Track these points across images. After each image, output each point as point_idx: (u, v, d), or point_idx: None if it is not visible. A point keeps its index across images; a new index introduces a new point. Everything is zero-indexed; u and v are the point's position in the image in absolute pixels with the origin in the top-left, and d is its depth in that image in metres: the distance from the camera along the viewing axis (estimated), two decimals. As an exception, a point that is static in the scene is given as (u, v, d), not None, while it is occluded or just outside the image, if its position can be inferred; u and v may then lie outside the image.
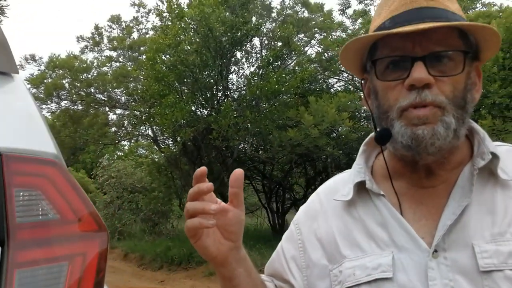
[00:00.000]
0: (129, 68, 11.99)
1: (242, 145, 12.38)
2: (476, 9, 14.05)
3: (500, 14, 9.78)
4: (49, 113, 12.72)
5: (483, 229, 0.80)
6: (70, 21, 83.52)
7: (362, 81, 0.94)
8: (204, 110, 10.70)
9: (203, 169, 0.82)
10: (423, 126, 0.78)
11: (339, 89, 11.51)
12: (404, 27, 0.79)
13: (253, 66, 11.01)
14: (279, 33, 10.13)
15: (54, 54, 12.28)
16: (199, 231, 0.82)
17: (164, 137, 12.05)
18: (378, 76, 0.84)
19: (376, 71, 0.84)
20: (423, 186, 0.86)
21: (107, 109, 12.76)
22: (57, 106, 12.47)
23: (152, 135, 12.33)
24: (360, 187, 0.89)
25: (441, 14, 0.81)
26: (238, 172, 0.83)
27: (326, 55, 11.56)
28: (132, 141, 13.62)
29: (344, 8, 12.56)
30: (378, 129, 0.87)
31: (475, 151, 0.86)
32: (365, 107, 0.89)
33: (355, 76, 0.92)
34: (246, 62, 10.99)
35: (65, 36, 40.40)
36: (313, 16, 11.60)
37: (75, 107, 12.41)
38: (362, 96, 0.96)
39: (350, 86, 11.40)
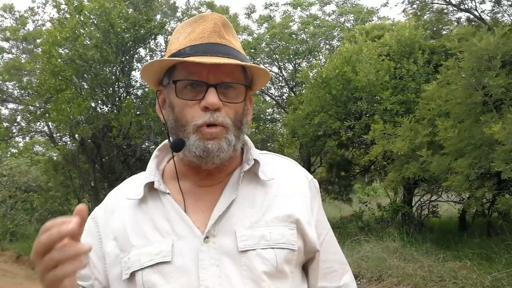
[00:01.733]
0: (22, 61, 11.26)
1: (146, 143, 12.18)
2: (372, 22, 15.13)
3: (393, 27, 10.58)
4: None
5: (244, 219, 0.99)
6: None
7: (157, 92, 1.08)
8: (104, 107, 10.38)
9: (83, 207, 0.79)
10: (212, 141, 0.96)
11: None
12: (203, 57, 0.95)
13: (157, 64, 10.85)
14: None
15: None
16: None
17: (61, 134, 11.47)
18: (177, 94, 0.98)
19: (176, 89, 0.98)
20: (203, 185, 1.04)
21: (-3, 103, 11.85)
22: None
23: (48, 131, 11.68)
24: (151, 187, 1.03)
25: (230, 51, 0.99)
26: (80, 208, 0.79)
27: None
28: (27, 137, 12.79)
29: (250, 13, 12.90)
30: (172, 138, 1.02)
31: (244, 158, 1.06)
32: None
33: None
34: (150, 59, 10.81)
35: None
36: (219, 17, 11.70)
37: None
38: (156, 106, 1.09)
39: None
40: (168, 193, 1.02)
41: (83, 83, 9.95)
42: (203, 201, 1.03)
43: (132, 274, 0.97)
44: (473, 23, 7.89)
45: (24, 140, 12.72)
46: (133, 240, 0.99)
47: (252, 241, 0.96)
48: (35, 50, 11.35)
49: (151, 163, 1.08)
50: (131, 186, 1.08)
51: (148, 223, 1.00)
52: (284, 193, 1.05)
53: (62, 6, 9.41)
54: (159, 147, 1.12)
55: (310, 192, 1.09)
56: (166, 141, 1.08)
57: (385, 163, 9.12)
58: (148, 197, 1.04)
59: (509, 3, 7.53)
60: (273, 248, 0.97)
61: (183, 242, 0.96)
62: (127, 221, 1.02)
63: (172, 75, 1.00)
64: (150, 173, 1.05)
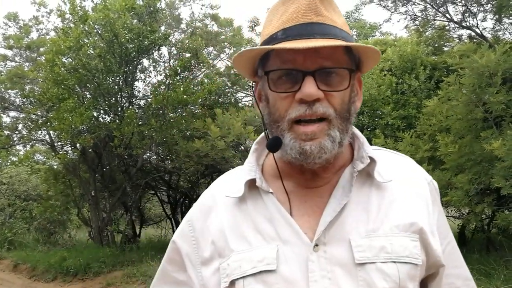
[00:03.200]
0: (25, 69, 11.33)
1: (148, 154, 12.19)
2: (375, 37, 15.26)
3: (395, 43, 10.67)
4: None
5: (359, 226, 0.86)
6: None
7: (253, 84, 0.98)
8: (106, 117, 10.41)
9: None
10: (310, 142, 0.83)
11: (247, 103, 11.80)
12: (296, 41, 0.83)
13: (160, 75, 10.95)
14: (187, 44, 10.20)
15: None
16: None
17: (62, 143, 11.49)
18: (270, 86, 0.87)
19: (269, 81, 0.87)
20: (308, 186, 0.92)
21: (-1, 110, 11.89)
22: None
23: (49, 140, 11.70)
24: (251, 184, 0.93)
25: (330, 30, 0.85)
26: None
27: (235, 69, 11.79)
28: (28, 146, 12.80)
29: (254, 25, 13.00)
30: (269, 135, 0.91)
31: (355, 155, 0.93)
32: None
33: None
34: (153, 70, 10.90)
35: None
36: (222, 30, 11.82)
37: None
38: (254, 99, 0.98)
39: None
40: (271, 193, 0.92)
41: (85, 92, 10.00)
42: (309, 203, 0.91)
43: (232, 283, 0.88)
44: (474, 40, 7.96)
45: (25, 149, 12.75)
46: (232, 244, 0.90)
47: (370, 253, 0.84)
48: (38, 58, 11.42)
49: (251, 157, 0.98)
50: (229, 182, 0.99)
51: (248, 225, 0.91)
52: (404, 197, 0.91)
53: (67, 16, 9.49)
54: (257, 139, 1.01)
55: (430, 196, 0.95)
56: (264, 132, 0.95)
57: (386, 177, 9.12)
58: (248, 195, 0.93)
59: (510, 21, 7.60)
60: (395, 262, 0.84)
61: (289, 248, 0.86)
62: (225, 222, 0.93)
63: (266, 65, 0.90)
64: (250, 169, 0.95)
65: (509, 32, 7.83)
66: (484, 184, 5.80)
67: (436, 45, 9.07)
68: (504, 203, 6.72)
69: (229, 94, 12.09)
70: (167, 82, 10.17)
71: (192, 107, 10.84)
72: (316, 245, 0.84)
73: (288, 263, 0.85)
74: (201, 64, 10.76)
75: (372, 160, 0.91)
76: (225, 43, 11.83)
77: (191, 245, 0.97)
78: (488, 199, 6.01)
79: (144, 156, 11.29)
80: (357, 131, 0.96)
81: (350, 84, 0.87)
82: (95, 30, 9.08)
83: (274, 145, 0.87)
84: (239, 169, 1.01)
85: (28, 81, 11.18)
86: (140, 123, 9.70)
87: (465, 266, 1.00)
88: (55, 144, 11.76)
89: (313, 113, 0.83)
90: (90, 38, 9.07)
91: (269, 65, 0.88)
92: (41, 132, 11.70)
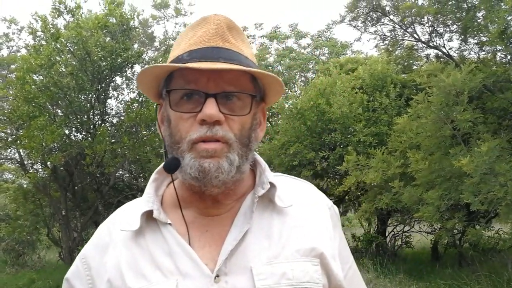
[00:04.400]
0: (-5, 86, 11.11)
1: (120, 172, 12.02)
2: (346, 55, 15.56)
3: (366, 61, 10.90)
4: None
5: (261, 253, 0.85)
6: None
7: (157, 107, 0.95)
8: (78, 134, 10.26)
9: None
10: (209, 159, 0.81)
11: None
12: (201, 63, 0.82)
13: (133, 92, 10.88)
14: (161, 62, 10.20)
15: None
16: None
17: (32, 162, 11.24)
18: (171, 106, 0.85)
19: (170, 100, 0.85)
20: (209, 214, 0.89)
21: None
22: None
23: (19, 158, 11.44)
24: (149, 216, 0.88)
25: (235, 56, 0.85)
26: None
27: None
28: (-3, 164, 12.48)
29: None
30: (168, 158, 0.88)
31: (257, 181, 0.92)
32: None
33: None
34: (126, 88, 10.83)
35: None
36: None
37: None
38: (157, 122, 0.95)
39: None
40: (170, 224, 0.88)
41: (57, 110, 9.85)
42: (210, 232, 0.88)
43: None
44: (441, 59, 8.22)
45: (-7, 167, 12.39)
46: (129, 282, 0.84)
47: (272, 280, 0.82)
48: (9, 76, 11.22)
49: (149, 188, 0.93)
50: (126, 216, 0.94)
51: (146, 260, 0.86)
52: (305, 222, 0.91)
53: (38, 33, 9.39)
54: (157, 169, 0.96)
55: (331, 221, 0.95)
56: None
57: (359, 193, 9.23)
58: (146, 228, 0.89)
59: (475, 41, 7.89)
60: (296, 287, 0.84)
61: (189, 282, 0.82)
62: (122, 257, 0.87)
63: (169, 85, 0.88)
64: (148, 200, 0.91)
65: (474, 52, 8.12)
66: (454, 200, 5.93)
67: (405, 63, 9.31)
68: (474, 219, 6.88)
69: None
70: (140, 100, 10.11)
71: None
72: (217, 276, 0.81)
73: None
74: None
75: (272, 186, 0.90)
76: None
77: (86, 285, 0.91)
78: (458, 214, 6.14)
79: (117, 174, 11.14)
80: (259, 158, 0.95)
81: (251, 110, 0.86)
82: (67, 48, 9.00)
83: (172, 165, 0.85)
84: (137, 201, 0.96)
85: (-3, 98, 10.96)
86: (112, 141, 9.59)
87: None
88: (25, 162, 11.50)
89: (213, 135, 0.81)
90: (62, 56, 8.97)
91: (172, 84, 0.87)
92: (11, 151, 11.43)
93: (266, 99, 0.93)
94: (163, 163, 0.90)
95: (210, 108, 0.80)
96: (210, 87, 0.82)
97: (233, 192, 0.89)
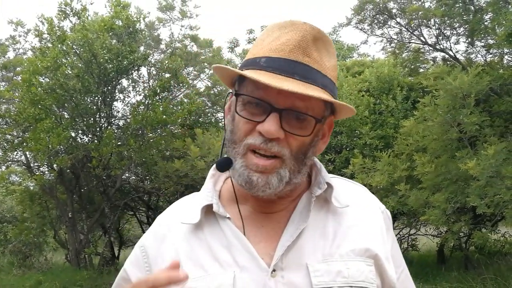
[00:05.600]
0: (1, 89, 11.16)
1: (127, 174, 12.04)
2: (353, 58, 15.53)
3: (373, 64, 10.88)
4: None
5: (316, 251, 0.87)
6: None
7: (228, 94, 0.97)
8: (84, 137, 10.28)
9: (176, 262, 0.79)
10: (258, 174, 0.83)
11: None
12: (275, 75, 0.82)
13: (140, 95, 10.90)
14: (167, 64, 10.21)
15: None
16: None
17: (39, 164, 11.29)
18: (237, 110, 0.87)
19: (237, 103, 0.87)
20: (264, 211, 0.92)
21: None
22: None
23: (25, 161, 11.48)
24: (208, 210, 0.92)
25: (311, 74, 0.84)
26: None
27: (215, 89, 11.86)
28: (3, 167, 12.53)
29: (233, 46, 13.13)
30: (224, 153, 0.90)
31: (313, 181, 0.94)
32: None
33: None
34: (132, 90, 10.84)
35: None
36: (202, 51, 11.88)
37: None
38: (225, 107, 0.96)
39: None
40: (228, 218, 0.91)
41: (63, 112, 9.88)
42: (265, 228, 0.91)
43: None
44: (448, 62, 8.19)
45: (0, 170, 12.43)
46: (187, 271, 0.84)
47: (328, 277, 0.84)
48: (15, 78, 11.26)
49: (208, 183, 0.97)
50: (185, 209, 0.97)
51: (205, 252, 0.89)
52: (359, 223, 0.93)
53: (45, 36, 9.42)
54: (214, 165, 0.98)
55: (384, 224, 0.97)
56: None
57: (365, 196, 9.19)
58: (204, 221, 0.92)
59: (482, 44, 7.85)
60: (351, 286, 0.85)
61: (247, 274, 0.84)
62: (181, 249, 0.91)
63: (242, 84, 0.89)
64: (207, 195, 0.94)
65: (481, 55, 8.09)
66: (460, 203, 5.90)
67: (412, 66, 9.29)
68: (481, 222, 6.83)
69: (209, 114, 12.10)
70: (146, 102, 10.13)
71: (172, 127, 10.80)
72: (274, 270, 0.84)
73: None
74: (181, 84, 10.76)
75: (329, 186, 0.92)
76: (205, 64, 11.87)
77: (144, 272, 0.94)
78: (464, 217, 6.11)
79: (123, 177, 11.15)
80: (316, 160, 0.96)
81: (313, 132, 0.86)
82: (73, 50, 9.02)
83: (223, 165, 0.88)
84: (194, 195, 1.00)
85: (3, 101, 11.01)
86: (119, 143, 9.60)
87: None
88: (32, 165, 11.54)
89: (268, 149, 0.83)
90: (68, 58, 9.00)
91: (244, 86, 0.88)
92: (17, 153, 11.48)
93: (336, 113, 0.94)
94: (216, 160, 0.92)
95: (271, 125, 0.81)
96: (279, 100, 0.82)
97: (288, 195, 0.92)
